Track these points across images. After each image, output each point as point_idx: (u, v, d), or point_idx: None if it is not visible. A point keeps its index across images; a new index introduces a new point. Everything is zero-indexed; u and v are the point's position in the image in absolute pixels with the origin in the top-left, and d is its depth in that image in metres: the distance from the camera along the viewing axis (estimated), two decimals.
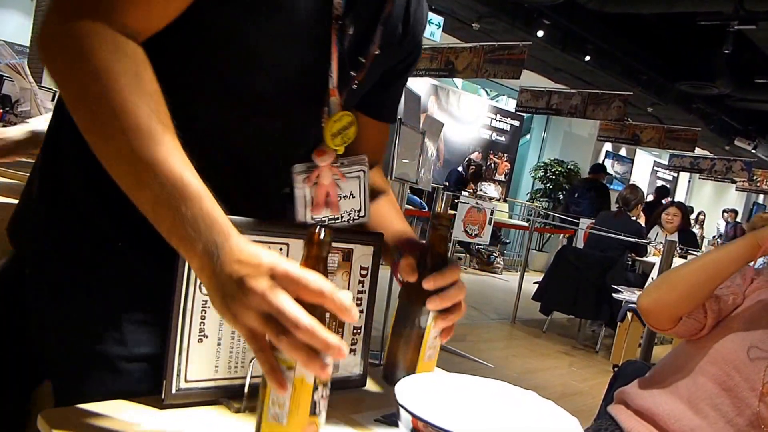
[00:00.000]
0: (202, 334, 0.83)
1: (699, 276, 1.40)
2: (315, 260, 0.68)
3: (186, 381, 0.82)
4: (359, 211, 1.03)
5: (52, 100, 2.77)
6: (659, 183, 15.78)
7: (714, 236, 12.50)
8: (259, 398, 0.70)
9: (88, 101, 0.70)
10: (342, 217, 1.02)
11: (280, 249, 0.91)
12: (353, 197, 1.01)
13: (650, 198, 10.14)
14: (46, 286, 0.91)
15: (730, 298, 1.44)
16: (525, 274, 6.40)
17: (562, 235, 8.87)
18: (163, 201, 0.68)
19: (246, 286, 0.65)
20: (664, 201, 8.90)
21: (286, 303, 0.64)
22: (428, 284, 0.89)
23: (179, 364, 0.81)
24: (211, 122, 0.89)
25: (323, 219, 1.00)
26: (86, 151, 0.72)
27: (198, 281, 0.83)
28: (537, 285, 5.99)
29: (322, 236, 0.68)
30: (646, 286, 1.59)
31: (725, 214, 15.39)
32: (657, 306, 1.47)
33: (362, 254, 1.00)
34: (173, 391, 0.81)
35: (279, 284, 0.65)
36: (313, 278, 0.66)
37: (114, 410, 0.78)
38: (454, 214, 5.12)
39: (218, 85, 0.87)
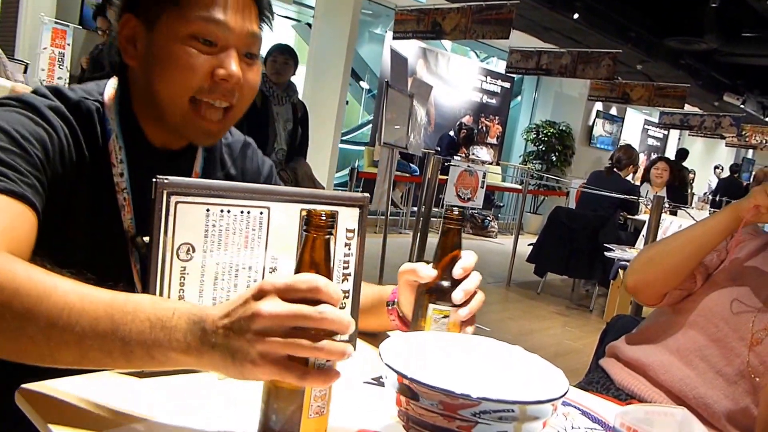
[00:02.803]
0: (182, 301, 0.82)
1: (683, 252, 1.42)
2: (316, 244, 0.67)
3: None
4: None
5: (24, 72, 2.71)
6: (650, 141, 15.78)
7: (705, 193, 12.50)
8: (279, 406, 0.67)
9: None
10: None
11: (261, 213, 0.89)
12: None
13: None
14: None
15: (714, 256, 1.44)
16: (519, 237, 6.43)
17: None
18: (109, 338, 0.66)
19: (253, 319, 0.62)
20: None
21: (298, 307, 0.63)
22: (457, 297, 0.90)
23: None
24: None
25: None
26: None
27: (176, 248, 0.81)
28: (531, 247, 6.01)
29: (323, 218, 0.66)
30: (632, 260, 1.59)
31: (716, 171, 15.42)
32: (645, 285, 1.48)
33: (348, 216, 0.99)
34: None
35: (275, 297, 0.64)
36: (300, 279, 0.64)
37: (93, 381, 0.77)
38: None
39: None
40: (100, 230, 0.98)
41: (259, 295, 0.63)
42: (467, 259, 0.92)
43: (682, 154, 11.01)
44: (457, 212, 0.91)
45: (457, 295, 0.89)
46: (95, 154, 0.98)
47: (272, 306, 0.62)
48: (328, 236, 0.67)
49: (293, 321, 0.62)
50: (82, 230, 0.96)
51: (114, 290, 0.96)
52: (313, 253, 0.67)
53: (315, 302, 0.64)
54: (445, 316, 0.90)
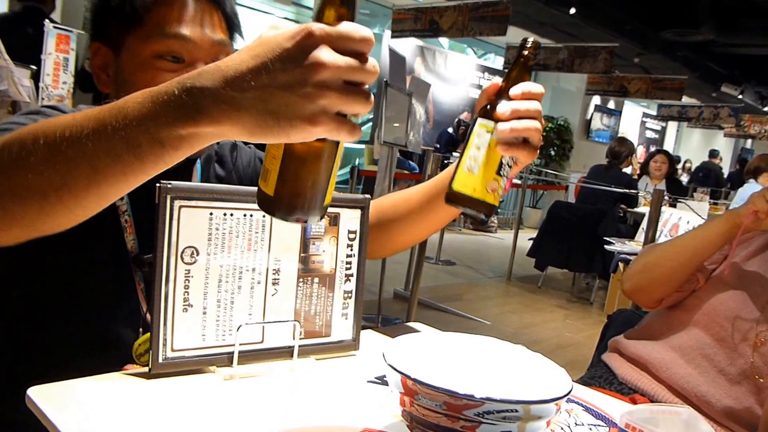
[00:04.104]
0: (187, 303, 0.83)
1: (678, 260, 1.42)
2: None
3: (173, 350, 0.82)
4: None
5: (30, 77, 2.72)
6: (648, 134, 15.77)
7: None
8: (313, 172, 0.60)
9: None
10: None
11: (263, 216, 0.90)
12: None
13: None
14: None
15: (716, 254, 1.44)
16: (519, 231, 6.44)
17: None
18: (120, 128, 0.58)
19: (314, 70, 0.53)
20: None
21: (355, 59, 0.55)
22: (503, 111, 0.83)
23: (164, 334, 0.81)
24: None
25: None
26: None
27: (180, 251, 0.82)
28: (531, 241, 6.02)
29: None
30: (630, 263, 1.59)
31: (716, 160, 15.41)
32: (640, 290, 1.49)
33: (350, 218, 0.99)
34: (160, 361, 0.81)
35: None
36: (352, 27, 0.56)
37: (102, 382, 0.79)
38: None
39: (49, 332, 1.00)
40: (103, 251, 1.00)
41: (310, 41, 0.54)
42: (531, 84, 0.85)
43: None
44: (531, 44, 0.86)
45: (501, 108, 0.82)
46: None
47: (333, 56, 0.54)
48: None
49: (351, 74, 0.55)
50: (86, 252, 0.97)
51: (120, 309, 1.01)
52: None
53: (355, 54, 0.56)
54: (488, 132, 0.83)
